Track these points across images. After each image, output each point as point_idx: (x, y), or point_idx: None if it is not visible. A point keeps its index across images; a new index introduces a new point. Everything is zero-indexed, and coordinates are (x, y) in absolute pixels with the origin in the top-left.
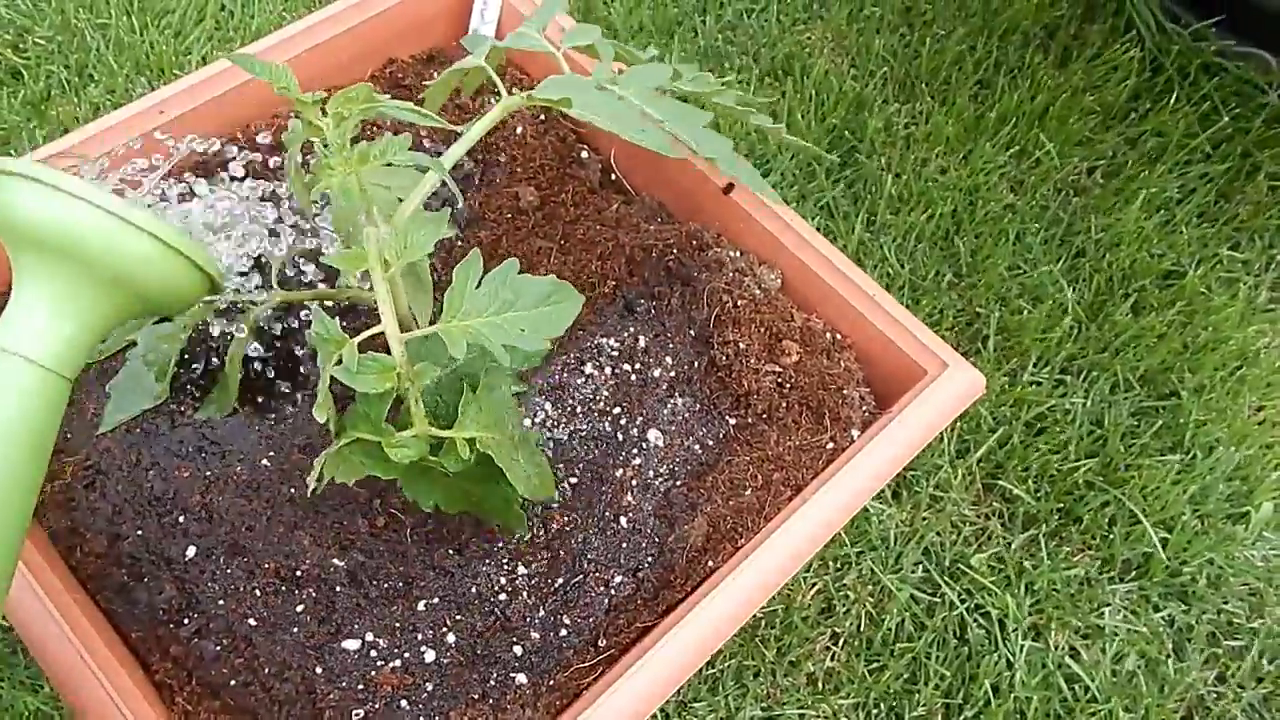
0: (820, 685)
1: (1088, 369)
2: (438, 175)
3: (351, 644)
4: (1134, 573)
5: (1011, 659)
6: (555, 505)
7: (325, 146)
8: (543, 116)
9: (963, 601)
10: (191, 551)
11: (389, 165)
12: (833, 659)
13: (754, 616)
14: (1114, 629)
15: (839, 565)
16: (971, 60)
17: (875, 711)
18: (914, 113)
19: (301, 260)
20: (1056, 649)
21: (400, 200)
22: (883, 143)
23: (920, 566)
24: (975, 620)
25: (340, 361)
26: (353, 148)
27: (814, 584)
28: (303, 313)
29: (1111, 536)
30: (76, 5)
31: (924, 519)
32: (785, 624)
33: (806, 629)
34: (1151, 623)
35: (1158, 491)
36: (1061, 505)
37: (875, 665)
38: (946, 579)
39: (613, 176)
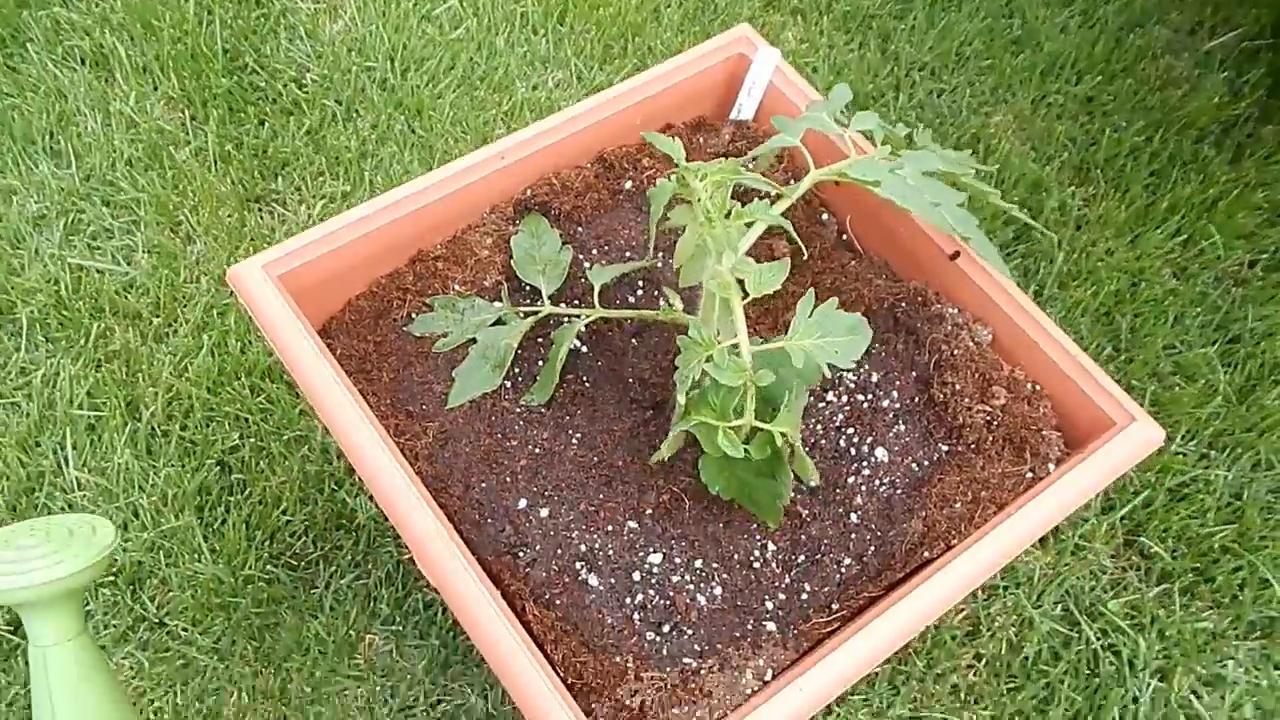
0: (963, 696)
1: (1233, 446)
2: (761, 227)
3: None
4: (1259, 632)
5: (1138, 694)
6: (798, 500)
7: (699, 202)
8: (792, 181)
9: (1097, 639)
10: (522, 503)
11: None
12: (975, 675)
13: None
14: (1235, 679)
15: (987, 595)
16: (1148, 151)
17: None
18: (1087, 195)
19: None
20: (1179, 691)
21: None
22: (1056, 222)
23: (1060, 605)
24: (1108, 657)
25: (709, 359)
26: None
27: (962, 610)
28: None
29: (1241, 598)
30: (347, 48)
31: (1067, 564)
32: (935, 640)
33: (954, 646)
34: (1270, 678)
35: None
36: (1196, 565)
37: (1013, 685)
38: (1084, 617)
39: (844, 236)
